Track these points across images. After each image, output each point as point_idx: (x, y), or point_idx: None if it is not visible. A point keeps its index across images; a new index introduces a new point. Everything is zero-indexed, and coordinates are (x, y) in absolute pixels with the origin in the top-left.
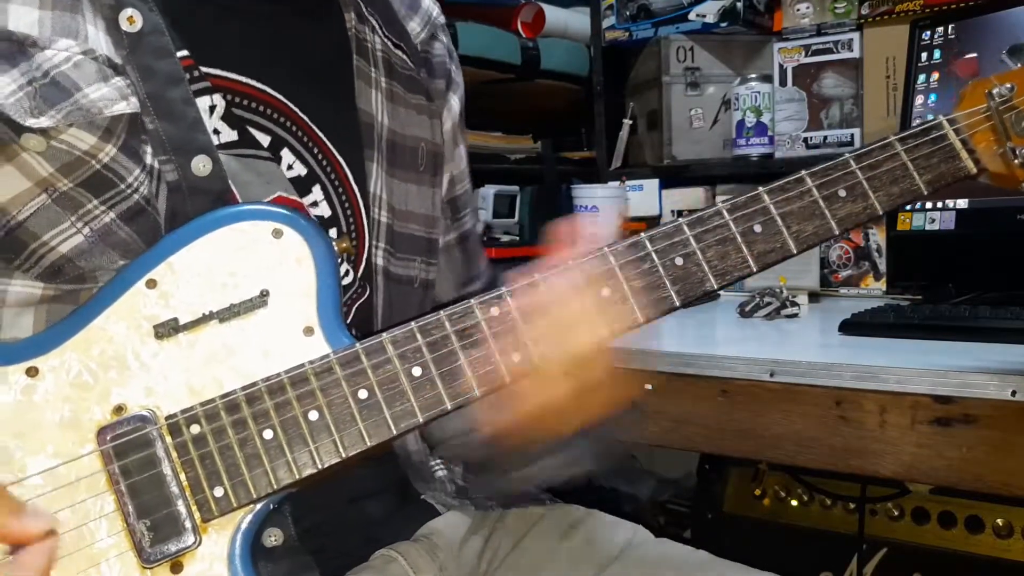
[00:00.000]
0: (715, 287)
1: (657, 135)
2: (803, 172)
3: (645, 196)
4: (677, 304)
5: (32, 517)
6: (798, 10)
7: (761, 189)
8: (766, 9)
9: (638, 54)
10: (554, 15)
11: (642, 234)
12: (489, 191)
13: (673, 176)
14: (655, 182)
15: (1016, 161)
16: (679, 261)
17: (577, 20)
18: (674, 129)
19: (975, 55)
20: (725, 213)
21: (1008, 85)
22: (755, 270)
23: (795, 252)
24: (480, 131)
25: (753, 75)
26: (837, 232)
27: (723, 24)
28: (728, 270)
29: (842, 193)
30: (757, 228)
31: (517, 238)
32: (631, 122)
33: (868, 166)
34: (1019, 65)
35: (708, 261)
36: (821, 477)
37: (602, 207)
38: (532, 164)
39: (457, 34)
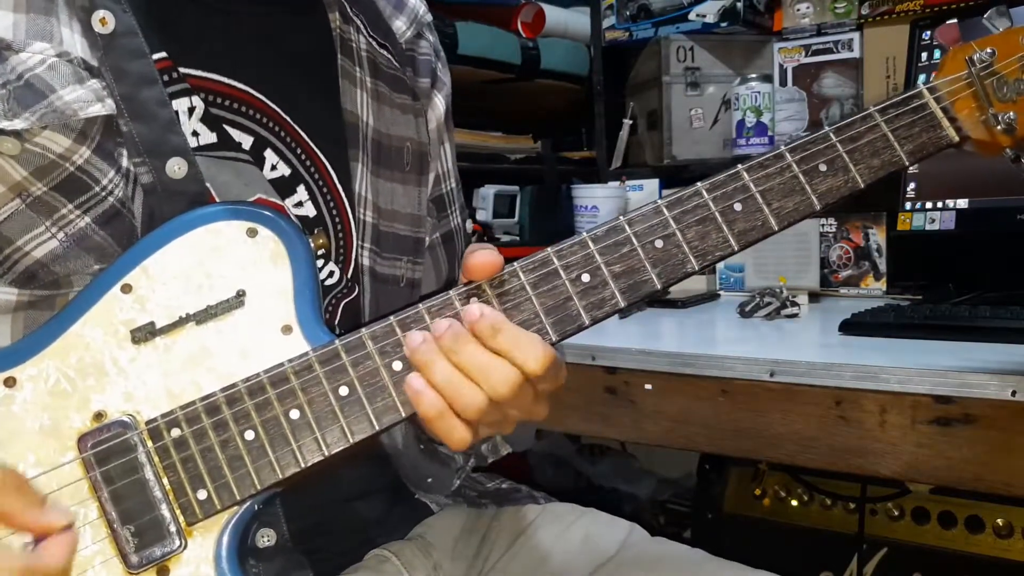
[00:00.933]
0: (696, 268)
1: (657, 135)
2: (782, 147)
3: (645, 196)
4: (658, 287)
5: (55, 510)
6: (798, 10)
7: (740, 167)
8: (766, 9)
9: (638, 54)
10: (554, 15)
11: (621, 217)
12: (489, 191)
13: (673, 176)
14: (655, 182)
15: (999, 127)
16: (659, 243)
17: (577, 20)
18: (674, 129)
19: (955, 21)
20: (704, 193)
21: (989, 50)
22: (736, 249)
23: (776, 229)
24: (480, 131)
25: (753, 75)
26: (819, 207)
27: (723, 24)
28: (709, 250)
29: (822, 167)
30: (737, 206)
31: (517, 238)
32: (631, 122)
33: (848, 138)
34: (1000, 29)
35: (688, 242)
36: (821, 477)
37: (602, 207)
38: (532, 164)
39: (457, 34)
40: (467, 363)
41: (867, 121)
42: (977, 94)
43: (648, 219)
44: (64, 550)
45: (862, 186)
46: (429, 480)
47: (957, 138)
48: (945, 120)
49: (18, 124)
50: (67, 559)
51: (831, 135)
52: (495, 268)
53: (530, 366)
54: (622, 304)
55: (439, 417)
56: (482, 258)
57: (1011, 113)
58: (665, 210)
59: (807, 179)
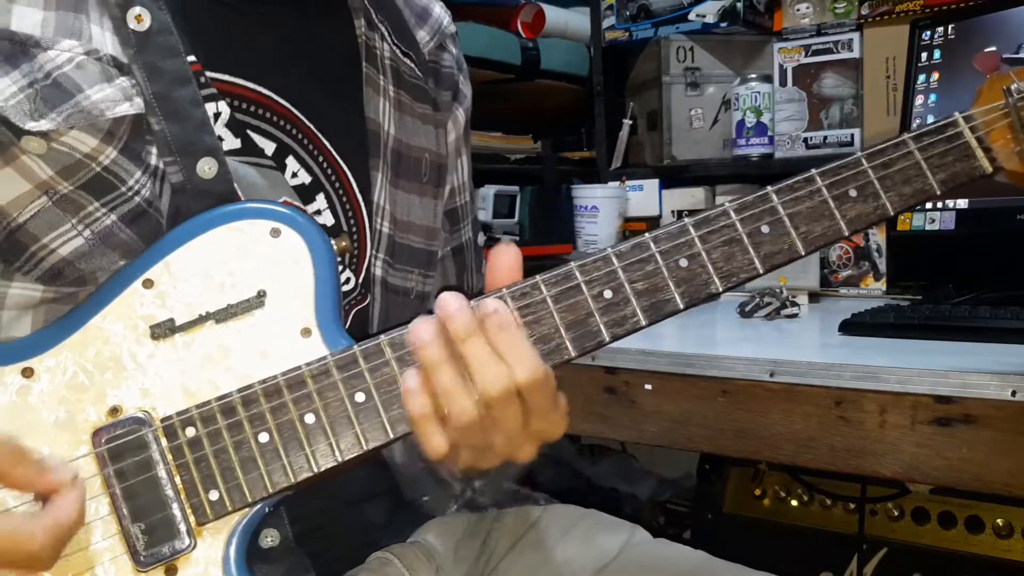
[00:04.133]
0: (720, 289)
1: (657, 135)
2: (813, 171)
3: (645, 196)
4: (681, 307)
5: (56, 468)
6: (798, 10)
7: (769, 188)
8: (766, 9)
9: (638, 54)
10: (554, 15)
11: (646, 235)
12: (489, 191)
13: (673, 176)
14: (655, 182)
15: None
16: (684, 263)
17: (577, 20)
18: (674, 129)
19: (994, 48)
20: (732, 213)
21: None
22: (762, 272)
23: (803, 254)
24: (480, 131)
25: (753, 75)
26: (847, 233)
27: (723, 24)
28: (734, 272)
29: (853, 193)
30: (764, 229)
31: (517, 238)
32: (631, 122)
33: (880, 165)
34: None
35: (713, 263)
36: (821, 477)
37: (602, 207)
38: (532, 164)
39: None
40: (468, 354)
41: (900, 148)
42: (1013, 125)
43: (674, 237)
44: (76, 503)
45: (892, 214)
46: (425, 499)
47: (991, 168)
48: (979, 150)
49: (44, 125)
50: (80, 511)
51: (863, 160)
52: (515, 263)
53: (517, 372)
54: (643, 323)
55: (422, 420)
56: (505, 256)
57: None
58: (692, 229)
59: (836, 204)
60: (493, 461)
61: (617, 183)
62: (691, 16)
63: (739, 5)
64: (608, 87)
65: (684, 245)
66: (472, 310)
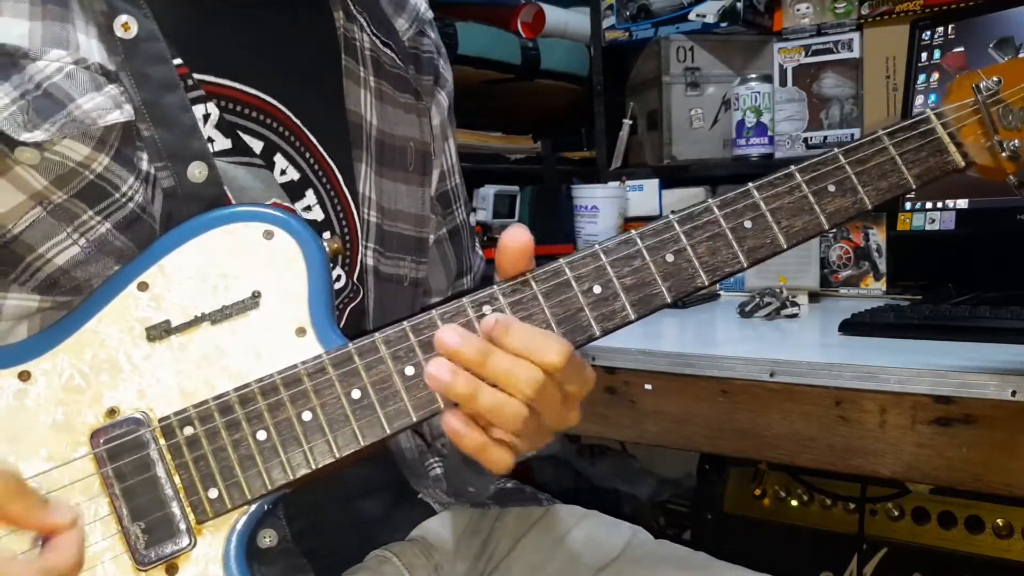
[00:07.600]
0: (706, 283)
1: (657, 135)
2: (792, 167)
3: (645, 196)
4: (668, 300)
5: (59, 508)
6: (798, 10)
7: (751, 185)
8: (766, 9)
9: (638, 54)
10: (554, 15)
11: (633, 232)
12: (489, 191)
13: (673, 176)
14: (655, 182)
15: (1004, 154)
16: (670, 258)
17: (577, 20)
18: (674, 129)
19: (962, 49)
20: (715, 209)
21: (995, 78)
22: (746, 266)
23: (785, 247)
24: (480, 131)
25: (753, 75)
26: (827, 227)
27: (723, 24)
28: (719, 266)
29: (831, 188)
30: (747, 224)
31: None
32: (631, 122)
33: (857, 160)
34: (1006, 58)
35: (699, 257)
36: (821, 477)
37: (602, 207)
38: (532, 164)
39: (457, 34)
40: (492, 369)
41: (875, 144)
42: (983, 121)
43: (659, 233)
44: (74, 546)
45: (869, 207)
46: (471, 490)
47: (963, 163)
48: (951, 145)
49: (38, 136)
50: (79, 554)
51: (840, 157)
52: (527, 245)
53: (549, 359)
54: (632, 317)
55: (482, 449)
56: (514, 237)
57: (1016, 141)
58: (676, 225)
59: (816, 199)
60: (546, 439)
61: (617, 183)
62: (691, 16)
63: (739, 5)
64: (608, 87)
65: (670, 241)
66: (474, 335)
